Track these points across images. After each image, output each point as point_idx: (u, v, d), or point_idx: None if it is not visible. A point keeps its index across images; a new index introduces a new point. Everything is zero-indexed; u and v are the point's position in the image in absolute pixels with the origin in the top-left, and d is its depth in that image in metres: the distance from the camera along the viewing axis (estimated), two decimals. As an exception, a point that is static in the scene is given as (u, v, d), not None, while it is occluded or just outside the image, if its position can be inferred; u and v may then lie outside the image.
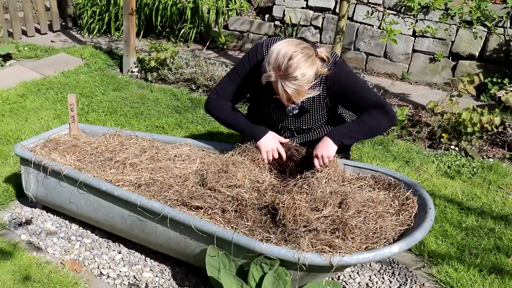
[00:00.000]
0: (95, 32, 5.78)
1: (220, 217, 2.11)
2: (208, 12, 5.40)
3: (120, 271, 2.31)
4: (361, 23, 4.88)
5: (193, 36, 5.53)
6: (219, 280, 1.95)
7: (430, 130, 3.63)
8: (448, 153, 3.47)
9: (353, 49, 4.99)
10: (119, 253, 2.43)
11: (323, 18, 5.07)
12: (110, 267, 2.34)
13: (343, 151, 2.51)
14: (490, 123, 3.46)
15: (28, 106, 3.91)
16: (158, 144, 2.67)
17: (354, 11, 4.87)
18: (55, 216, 2.66)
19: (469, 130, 3.44)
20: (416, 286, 2.29)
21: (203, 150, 2.62)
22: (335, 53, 2.34)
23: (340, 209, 2.07)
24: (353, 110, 2.41)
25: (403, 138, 3.66)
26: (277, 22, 5.32)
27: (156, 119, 3.79)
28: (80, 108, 3.92)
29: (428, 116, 3.77)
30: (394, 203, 2.19)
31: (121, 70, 4.79)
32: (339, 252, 1.87)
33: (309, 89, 2.17)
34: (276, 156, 2.37)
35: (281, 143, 2.40)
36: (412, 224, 2.06)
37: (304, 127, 2.47)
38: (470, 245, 2.53)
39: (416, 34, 4.63)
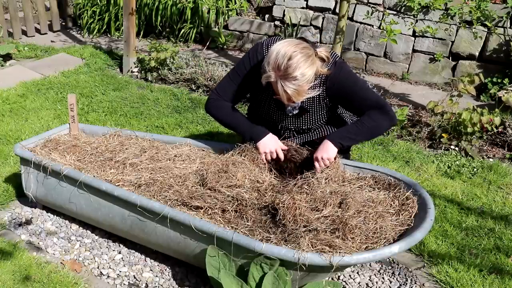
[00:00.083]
0: (95, 32, 5.78)
1: (220, 217, 2.12)
2: (208, 12, 5.41)
3: (120, 271, 2.31)
4: (361, 23, 4.88)
5: (193, 36, 5.53)
6: (219, 280, 1.95)
7: (430, 130, 3.63)
8: (448, 153, 3.47)
9: (353, 49, 4.99)
10: (119, 253, 2.43)
11: (323, 18, 5.07)
12: (110, 267, 2.34)
13: (343, 152, 2.51)
14: (490, 123, 3.46)
15: (28, 106, 3.91)
16: (158, 144, 2.67)
17: (354, 11, 4.87)
18: (55, 216, 2.66)
19: (469, 130, 3.44)
20: (416, 286, 2.29)
21: (203, 150, 2.62)
22: (335, 53, 2.34)
23: (340, 209, 2.07)
24: (353, 110, 2.41)
25: (403, 138, 3.66)
26: (277, 22, 5.32)
27: (156, 119, 3.79)
28: (80, 108, 3.92)
29: (428, 116, 3.76)
30: (394, 203, 2.19)
31: (121, 70, 4.79)
32: (339, 252, 1.87)
33: (309, 89, 2.17)
34: (274, 156, 2.37)
35: (282, 144, 2.40)
36: (412, 224, 2.06)
37: (304, 127, 2.47)
38: (470, 245, 2.53)
39: (416, 34, 4.63)
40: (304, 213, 2.02)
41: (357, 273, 2.35)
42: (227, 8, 5.28)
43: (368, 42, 4.89)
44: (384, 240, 1.98)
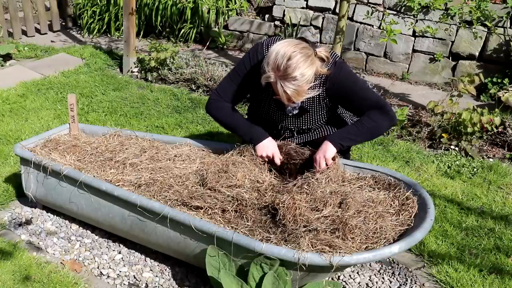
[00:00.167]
0: (95, 32, 5.78)
1: (220, 217, 2.12)
2: (208, 12, 5.41)
3: (120, 271, 2.31)
4: (361, 23, 4.88)
5: (193, 36, 5.53)
6: (219, 280, 1.95)
7: (430, 130, 3.62)
8: (448, 153, 3.47)
9: (353, 49, 4.99)
10: (119, 253, 2.43)
11: (323, 18, 5.07)
12: (110, 267, 2.34)
13: (343, 152, 2.51)
14: (490, 123, 3.46)
15: (28, 106, 3.91)
16: (158, 144, 2.67)
17: (354, 11, 4.87)
18: (55, 216, 2.66)
19: (469, 130, 3.44)
20: (416, 286, 2.29)
21: (203, 150, 2.62)
22: (335, 53, 2.34)
23: (340, 209, 2.07)
24: (353, 111, 2.41)
25: (403, 138, 3.66)
26: (277, 22, 5.32)
27: (156, 119, 3.79)
28: (80, 108, 3.92)
29: (428, 116, 3.76)
30: (394, 203, 2.19)
31: (121, 70, 4.79)
32: (339, 252, 1.87)
33: (309, 89, 2.16)
34: (271, 159, 2.37)
35: (282, 144, 2.40)
36: (412, 224, 2.06)
37: (304, 127, 2.47)
38: (470, 245, 2.53)
39: (416, 34, 4.63)
40: (304, 213, 2.02)
41: (357, 273, 2.35)
42: (227, 8, 5.28)
43: (368, 42, 4.89)
44: (384, 240, 1.98)
